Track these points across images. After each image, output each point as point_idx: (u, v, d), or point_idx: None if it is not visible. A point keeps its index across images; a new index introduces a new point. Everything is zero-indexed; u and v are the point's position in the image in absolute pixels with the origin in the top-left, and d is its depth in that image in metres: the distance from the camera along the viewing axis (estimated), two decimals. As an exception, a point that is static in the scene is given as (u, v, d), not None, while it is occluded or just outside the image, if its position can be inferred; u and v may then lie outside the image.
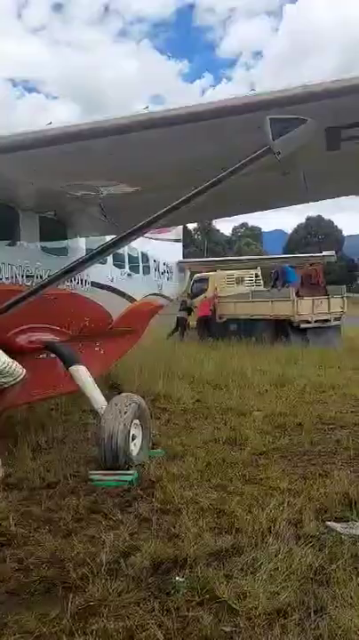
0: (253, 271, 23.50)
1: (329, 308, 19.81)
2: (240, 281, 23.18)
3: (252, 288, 22.41)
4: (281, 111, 4.04)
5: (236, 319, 20.85)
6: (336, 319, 20.15)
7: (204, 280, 22.73)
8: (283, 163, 4.58)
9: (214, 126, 4.18)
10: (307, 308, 19.12)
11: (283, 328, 19.12)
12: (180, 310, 21.77)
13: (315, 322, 19.28)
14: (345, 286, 22.85)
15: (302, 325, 18.90)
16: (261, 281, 23.23)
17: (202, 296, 22.71)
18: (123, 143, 4.39)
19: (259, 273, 22.98)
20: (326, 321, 19.67)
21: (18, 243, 6.43)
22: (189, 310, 22.53)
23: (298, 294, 19.39)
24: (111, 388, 9.69)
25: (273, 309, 19.50)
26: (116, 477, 5.50)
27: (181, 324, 22.21)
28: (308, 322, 19.07)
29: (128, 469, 5.63)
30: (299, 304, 18.89)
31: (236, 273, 23.21)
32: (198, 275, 23.19)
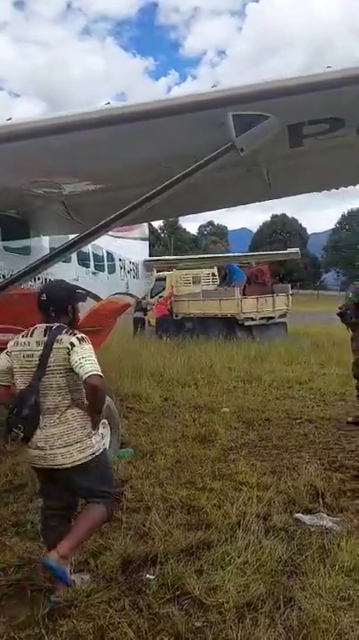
0: (209, 270, 23.97)
1: (274, 306, 20.66)
2: (197, 280, 23.67)
3: (203, 287, 22.96)
4: (243, 107, 4.05)
5: (190, 317, 21.62)
6: (281, 316, 21.14)
7: (163, 279, 22.95)
8: (246, 159, 4.59)
9: (176, 122, 4.16)
10: (251, 307, 20.03)
11: (230, 325, 19.86)
12: (136, 311, 22.08)
13: (260, 319, 20.19)
14: (290, 285, 23.80)
15: (246, 323, 19.78)
16: (218, 280, 23.61)
17: (157, 296, 23.07)
18: (84, 139, 4.32)
19: (216, 272, 23.38)
20: (271, 318, 20.57)
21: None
22: (144, 310, 22.95)
23: (244, 293, 20.24)
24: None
25: (220, 308, 20.31)
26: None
27: (137, 324, 22.76)
28: (253, 319, 19.98)
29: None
30: (243, 303, 19.76)
31: (193, 272, 23.75)
32: (157, 274, 23.43)
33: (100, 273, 9.75)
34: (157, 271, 18.72)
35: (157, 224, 75.92)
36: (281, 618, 3.19)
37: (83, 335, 3.59)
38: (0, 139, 4.32)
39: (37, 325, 3.67)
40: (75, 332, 3.60)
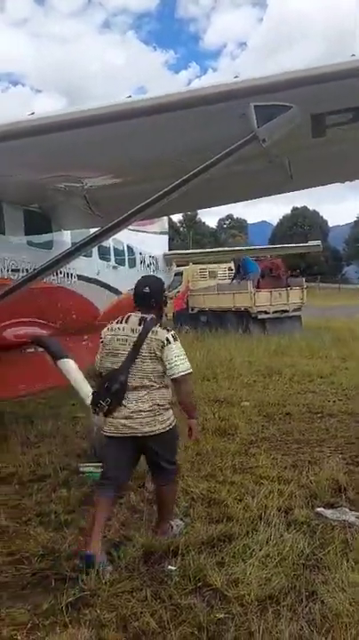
0: (226, 264, 23.98)
1: (288, 300, 20.58)
2: (213, 275, 23.70)
3: (218, 281, 23.00)
4: (265, 98, 4.02)
5: (206, 311, 21.68)
6: (295, 310, 21.04)
7: (180, 274, 23.06)
8: (268, 151, 4.56)
9: (198, 114, 4.15)
10: (264, 300, 20.02)
11: (244, 319, 19.91)
12: None
13: (274, 313, 20.14)
14: (312, 278, 23.52)
15: (260, 316, 19.78)
16: (234, 274, 23.61)
17: (175, 290, 23.21)
18: (106, 133, 4.34)
19: (233, 266, 23.36)
20: (285, 312, 20.50)
21: (3, 236, 6.36)
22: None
23: (258, 286, 20.25)
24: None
25: (234, 301, 20.30)
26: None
27: None
28: (267, 312, 19.97)
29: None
30: (256, 296, 19.78)
31: (209, 267, 23.82)
32: (177, 268, 23.55)
33: (121, 267, 9.79)
34: (177, 265, 18.76)
35: (177, 218, 75.83)
36: (303, 611, 3.18)
37: (174, 332, 4.09)
38: (22, 133, 4.36)
39: (131, 314, 4.14)
40: (167, 327, 4.12)
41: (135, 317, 4.09)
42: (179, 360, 3.96)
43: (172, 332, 4.06)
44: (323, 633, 2.96)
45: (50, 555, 3.92)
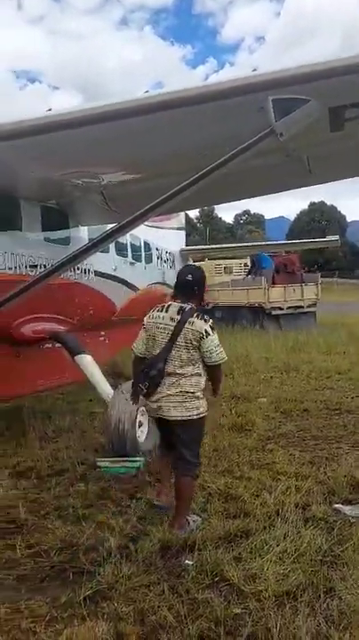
0: (242, 260, 23.91)
1: (302, 295, 20.46)
2: (229, 270, 23.63)
3: (234, 277, 22.96)
4: (283, 91, 3.99)
5: (220, 306, 21.65)
6: (310, 306, 20.98)
7: None
8: (286, 145, 4.53)
9: (215, 109, 4.13)
10: (278, 296, 19.99)
11: (258, 315, 19.91)
12: None
13: (288, 308, 20.07)
14: (319, 274, 23.58)
15: (274, 312, 19.73)
16: (249, 270, 23.58)
17: None
18: (123, 129, 4.35)
19: (249, 262, 23.31)
20: (299, 307, 20.46)
21: (20, 233, 6.41)
22: None
23: (273, 282, 20.24)
24: (116, 375, 9.72)
25: (248, 297, 20.29)
26: (124, 464, 5.53)
27: None
28: (281, 308, 19.91)
29: (135, 456, 5.65)
30: (270, 292, 19.76)
31: (225, 262, 23.75)
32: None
33: (138, 263, 9.82)
34: (194, 261, 18.79)
35: (193, 214, 75.75)
36: (321, 608, 3.16)
37: (212, 322, 4.29)
38: (40, 130, 4.38)
39: (171, 303, 4.37)
40: (205, 316, 4.27)
41: (174, 307, 4.28)
42: (217, 349, 4.21)
43: (210, 323, 4.25)
44: (340, 629, 2.94)
45: (68, 548, 3.95)
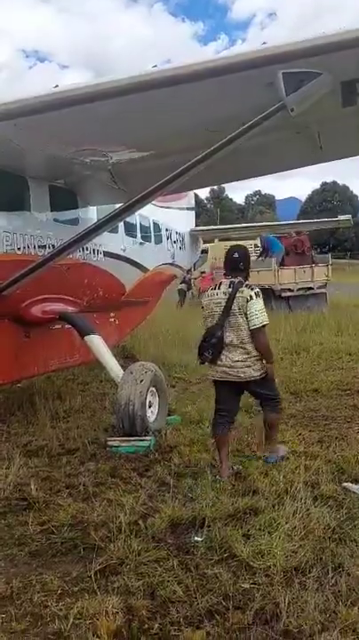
0: (252, 242, 23.70)
1: (313, 277, 20.30)
2: None
3: None
4: (293, 65, 3.91)
5: None
6: (320, 287, 20.75)
7: (206, 252, 22.92)
8: (296, 120, 4.46)
9: (224, 84, 4.06)
10: (288, 277, 19.84)
11: (268, 296, 19.61)
12: (181, 283, 22.52)
13: (298, 290, 19.95)
14: (330, 255, 23.20)
15: (284, 294, 19.64)
16: (260, 252, 23.37)
17: (197, 270, 23.19)
18: (130, 105, 4.29)
19: (259, 243, 23.08)
20: (309, 289, 20.30)
21: (29, 213, 6.39)
22: (188, 284, 23.42)
23: (283, 264, 20.04)
24: (126, 358, 9.76)
25: (258, 279, 20.01)
26: (134, 443, 5.57)
27: (181, 295, 23.17)
28: (291, 290, 19.80)
29: (145, 436, 5.69)
30: (280, 274, 19.64)
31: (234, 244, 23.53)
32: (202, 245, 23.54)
33: (147, 243, 9.76)
34: (204, 242, 18.66)
35: (203, 194, 75.21)
36: (329, 583, 3.18)
37: (258, 290, 4.88)
38: (47, 106, 4.33)
39: (222, 280, 4.95)
40: (252, 286, 4.90)
41: (225, 283, 4.87)
42: (259, 313, 4.73)
43: (256, 290, 4.85)
44: (348, 604, 2.95)
45: (79, 524, 3.99)
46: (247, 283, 4.87)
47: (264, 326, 4.79)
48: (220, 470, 4.81)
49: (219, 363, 4.81)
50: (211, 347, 4.75)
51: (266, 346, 4.90)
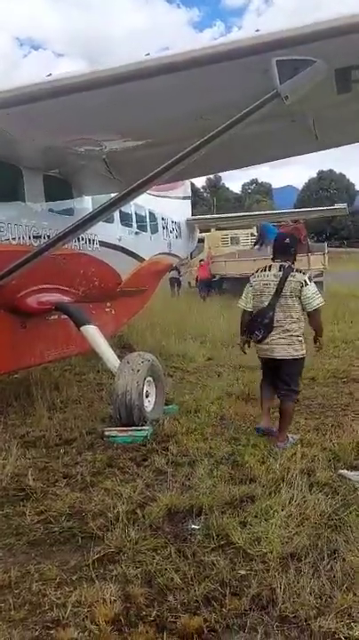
0: (248, 230, 23.62)
1: (309, 265, 20.23)
2: (236, 241, 23.38)
3: (241, 247, 22.72)
4: (288, 52, 3.87)
5: (227, 277, 21.57)
6: (317, 275, 20.54)
7: (202, 241, 22.90)
8: (291, 109, 4.43)
9: (218, 71, 4.02)
10: None
11: None
12: (171, 271, 22.61)
13: None
14: (326, 243, 23.20)
15: None
16: (256, 240, 23.37)
17: (196, 259, 23.18)
18: (124, 93, 4.25)
19: (255, 232, 23.07)
20: None
21: (23, 203, 6.36)
22: (179, 270, 23.29)
23: None
24: (123, 348, 9.77)
25: (255, 267, 19.91)
26: (131, 433, 5.58)
27: (172, 283, 23.10)
28: None
29: (143, 425, 5.71)
30: None
31: (231, 233, 23.47)
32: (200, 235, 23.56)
33: (143, 233, 9.73)
34: (200, 231, 18.61)
35: (200, 183, 74.86)
36: (324, 569, 3.21)
37: (310, 274, 5.48)
38: (40, 95, 4.30)
39: (271, 264, 5.37)
40: (303, 271, 5.50)
41: (275, 266, 5.29)
42: (315, 296, 5.17)
43: (308, 275, 5.35)
44: (343, 589, 2.99)
45: (77, 514, 4.02)
46: (296, 267, 5.31)
47: (318, 309, 5.25)
48: (262, 421, 5.55)
49: (264, 342, 5.25)
50: (263, 327, 5.17)
51: (320, 324, 5.43)
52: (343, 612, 2.82)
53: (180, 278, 23.55)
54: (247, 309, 5.46)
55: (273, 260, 5.38)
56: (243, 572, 3.21)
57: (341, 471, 4.59)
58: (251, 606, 2.92)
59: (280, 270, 5.20)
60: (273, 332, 5.17)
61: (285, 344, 5.19)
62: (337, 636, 2.66)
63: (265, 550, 3.38)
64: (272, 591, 3.01)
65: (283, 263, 5.25)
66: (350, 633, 2.67)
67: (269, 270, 5.30)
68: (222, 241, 23.85)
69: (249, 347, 5.66)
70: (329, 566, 3.22)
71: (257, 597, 2.98)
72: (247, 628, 2.77)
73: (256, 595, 3.00)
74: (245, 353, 5.88)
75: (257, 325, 5.23)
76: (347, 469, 4.63)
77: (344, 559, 3.27)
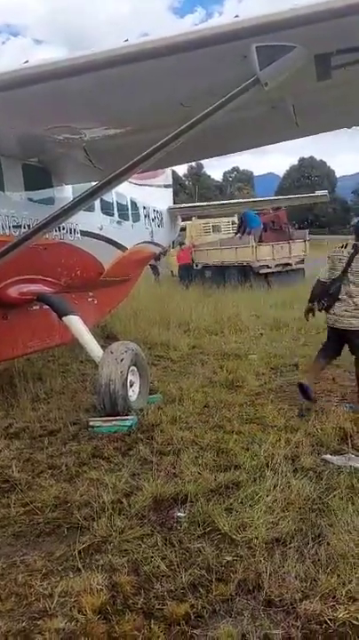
0: (230, 219, 23.62)
1: (290, 253, 20.40)
2: (217, 229, 23.41)
3: (222, 236, 22.79)
4: (267, 38, 3.84)
5: (210, 266, 21.62)
6: (298, 263, 20.89)
7: (184, 229, 22.90)
8: (271, 95, 4.41)
9: (197, 58, 3.97)
10: (266, 254, 19.88)
11: (246, 273, 19.87)
12: None
13: (276, 266, 20.05)
14: (308, 230, 23.34)
15: (262, 271, 19.71)
16: (237, 228, 23.41)
17: (177, 246, 23.25)
18: (102, 80, 4.18)
19: (236, 220, 23.08)
20: (287, 265, 20.41)
21: (2, 193, 6.26)
22: (157, 257, 23.46)
23: (261, 240, 20.06)
24: (107, 338, 9.73)
25: (237, 256, 20.19)
26: (116, 423, 5.58)
27: (154, 270, 23.29)
28: (269, 267, 19.86)
29: (127, 415, 5.70)
30: (258, 250, 19.65)
31: (212, 221, 23.50)
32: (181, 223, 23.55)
33: (125, 222, 9.66)
34: (182, 220, 18.55)
35: (181, 172, 74.53)
36: (309, 552, 3.26)
37: None
38: (17, 83, 4.22)
39: (348, 242, 6.03)
40: None
41: (351, 244, 5.91)
42: None
43: None
44: (328, 572, 3.04)
45: (62, 505, 4.02)
46: None
47: None
48: (306, 377, 6.18)
49: (331, 311, 5.87)
50: (329, 296, 5.82)
51: None
52: (328, 595, 2.87)
53: (157, 265, 23.53)
54: (321, 279, 6.03)
55: (356, 239, 5.95)
56: (229, 558, 3.25)
57: (325, 456, 4.65)
58: (238, 591, 2.96)
59: (353, 248, 5.80)
60: (338, 303, 5.78)
61: (349, 316, 5.75)
62: (322, 618, 2.71)
63: (250, 536, 3.42)
64: (258, 576, 3.05)
65: (357, 242, 5.83)
66: (335, 615, 2.72)
67: (345, 248, 5.92)
68: (204, 229, 23.82)
69: (313, 315, 6.26)
70: (314, 550, 3.28)
71: (243, 582, 3.02)
72: (234, 613, 2.80)
73: (242, 580, 3.04)
74: (308, 320, 6.52)
75: (324, 294, 5.87)
76: (331, 454, 4.69)
77: (328, 543, 3.32)
